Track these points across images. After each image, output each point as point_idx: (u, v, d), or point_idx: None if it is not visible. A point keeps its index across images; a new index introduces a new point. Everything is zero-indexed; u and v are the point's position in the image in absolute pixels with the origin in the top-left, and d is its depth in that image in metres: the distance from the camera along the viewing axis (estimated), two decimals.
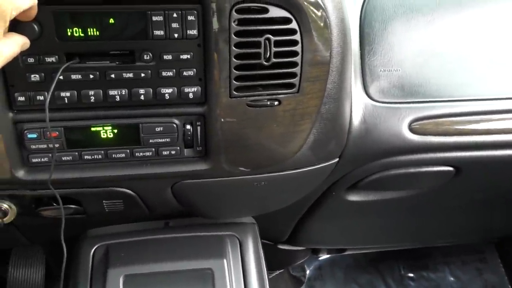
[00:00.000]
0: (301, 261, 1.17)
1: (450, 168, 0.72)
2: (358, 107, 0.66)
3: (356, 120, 0.66)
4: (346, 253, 1.29)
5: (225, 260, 0.70)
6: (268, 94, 0.58)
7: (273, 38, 0.55)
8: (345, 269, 1.32)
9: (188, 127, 0.60)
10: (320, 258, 1.31)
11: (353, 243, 1.02)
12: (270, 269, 1.04)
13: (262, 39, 0.55)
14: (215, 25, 0.54)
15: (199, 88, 0.58)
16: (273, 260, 1.01)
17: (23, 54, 0.52)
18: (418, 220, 0.90)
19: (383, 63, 0.68)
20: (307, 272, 1.29)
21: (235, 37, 0.54)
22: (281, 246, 0.94)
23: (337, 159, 0.67)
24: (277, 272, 1.05)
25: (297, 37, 0.56)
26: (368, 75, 0.68)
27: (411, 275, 1.33)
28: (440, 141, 0.68)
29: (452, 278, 1.34)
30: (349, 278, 1.31)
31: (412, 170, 0.71)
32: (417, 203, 0.83)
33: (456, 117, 0.68)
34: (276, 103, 0.58)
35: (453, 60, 0.70)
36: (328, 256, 1.32)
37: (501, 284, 1.32)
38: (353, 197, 0.77)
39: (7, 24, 0.42)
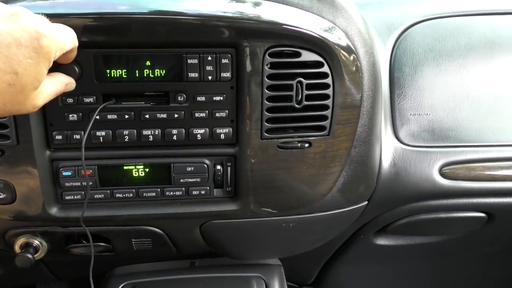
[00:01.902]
0: None
1: (482, 214, 0.70)
2: (388, 150, 0.66)
3: (386, 163, 0.65)
4: None
5: None
6: (299, 136, 0.59)
7: (305, 82, 0.56)
8: None
9: (219, 167, 0.60)
10: None
11: None
12: None
13: (294, 82, 0.56)
14: (249, 68, 0.55)
15: (231, 129, 0.58)
16: None
17: (63, 94, 0.53)
18: (450, 268, 0.88)
19: (413, 107, 0.68)
20: None
21: (267, 80, 0.55)
22: None
23: (366, 202, 0.66)
24: None
25: (328, 80, 0.56)
26: (398, 119, 0.68)
27: None
28: (471, 186, 0.67)
29: None
30: None
31: (442, 215, 0.70)
32: (448, 250, 0.81)
33: (487, 162, 0.67)
34: (306, 145, 0.59)
35: (484, 105, 0.69)
36: None
37: None
38: (382, 241, 0.76)
39: (51, 64, 0.43)
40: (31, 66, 0.41)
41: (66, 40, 0.45)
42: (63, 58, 0.48)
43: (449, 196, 0.67)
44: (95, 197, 0.60)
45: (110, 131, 0.57)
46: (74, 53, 0.49)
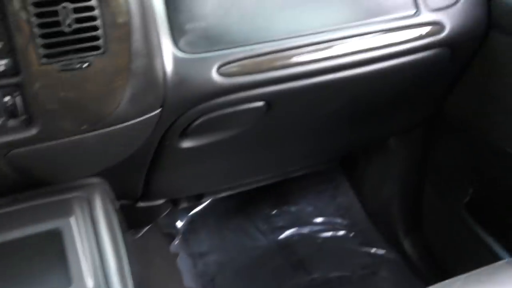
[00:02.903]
0: (165, 215, 1.25)
1: (261, 103, 0.82)
2: (169, 61, 0.73)
3: (170, 73, 0.73)
4: (210, 199, 1.39)
5: (72, 219, 0.75)
6: (78, 58, 0.64)
7: (70, 5, 0.61)
8: (216, 218, 1.43)
9: (7, 98, 0.64)
10: (190, 213, 1.40)
11: (207, 188, 1.11)
12: (135, 227, 1.11)
13: (59, 7, 0.60)
14: None
15: (10, 60, 0.62)
16: (137, 218, 1.08)
17: None
18: (258, 155, 1.01)
19: (189, 19, 0.76)
20: (179, 227, 1.37)
21: (33, 8, 0.59)
22: (140, 204, 1.01)
23: (159, 110, 0.74)
24: (145, 229, 1.12)
25: (93, 2, 0.62)
26: (176, 30, 0.75)
27: (274, 212, 1.47)
28: (245, 80, 0.78)
29: (310, 208, 1.50)
30: (220, 225, 1.42)
31: (229, 110, 0.81)
32: (250, 140, 0.93)
33: (257, 57, 0.78)
34: (85, 65, 0.64)
35: (251, 8, 0.79)
36: (199, 208, 1.42)
37: (352, 204, 1.50)
38: (187, 144, 0.85)
39: None
40: None
41: None
42: None
43: (228, 92, 0.78)
44: None
45: None
46: None
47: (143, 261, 1.08)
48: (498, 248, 1.14)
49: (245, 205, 1.45)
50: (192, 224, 1.38)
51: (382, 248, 1.43)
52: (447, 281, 0.81)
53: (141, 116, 0.72)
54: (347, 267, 1.37)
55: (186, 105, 0.77)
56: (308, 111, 0.92)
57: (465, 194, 1.23)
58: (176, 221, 1.35)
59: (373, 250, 1.42)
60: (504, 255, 1.09)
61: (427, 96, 1.11)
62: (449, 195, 1.29)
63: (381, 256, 1.41)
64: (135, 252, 1.07)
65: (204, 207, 1.41)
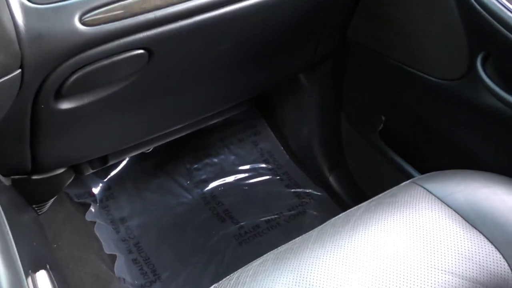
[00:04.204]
0: (75, 184, 1.19)
1: (140, 51, 0.76)
2: (19, 13, 0.65)
3: (23, 27, 0.65)
4: (125, 162, 1.33)
5: None
6: None
7: None
8: (133, 181, 1.38)
9: None
10: (106, 179, 1.34)
11: (106, 150, 1.05)
12: (38, 202, 1.05)
13: None
14: None
15: None
16: (38, 192, 1.01)
17: None
18: (155, 109, 0.96)
19: None
20: (96, 195, 1.31)
21: None
22: (35, 177, 0.94)
23: (18, 71, 0.67)
24: (49, 202, 1.06)
25: None
26: None
27: (196, 166, 1.43)
28: (116, 27, 0.71)
29: (233, 157, 1.47)
30: (140, 187, 1.37)
31: (105, 62, 0.74)
32: (139, 94, 0.87)
33: (122, 1, 0.71)
34: None
35: None
36: (115, 173, 1.36)
37: (274, 148, 1.48)
38: (66, 105, 0.78)
39: None
40: None
41: None
42: None
43: (99, 43, 0.71)
44: None
45: None
46: None
47: (51, 235, 1.02)
48: (413, 171, 1.16)
49: (164, 163, 1.40)
50: (109, 190, 1.32)
51: (308, 187, 1.42)
52: (352, 208, 0.81)
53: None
54: (275, 210, 1.37)
55: (51, 62, 0.69)
56: (197, 55, 0.86)
57: (379, 122, 1.23)
58: (90, 189, 1.29)
59: (300, 190, 1.42)
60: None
61: (326, 26, 1.07)
62: (364, 125, 1.29)
63: (308, 195, 1.41)
64: (39, 227, 1.02)
65: (120, 171, 1.35)
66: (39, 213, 1.05)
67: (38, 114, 0.77)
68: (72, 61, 0.71)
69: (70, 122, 0.83)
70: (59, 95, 0.76)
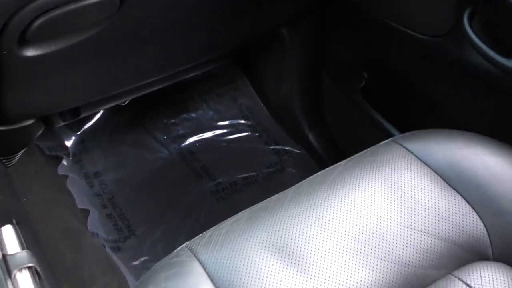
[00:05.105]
0: (47, 137, 1.15)
1: None
2: None
3: None
4: (99, 114, 1.29)
5: None
6: None
7: None
8: (109, 134, 1.34)
9: None
10: (79, 132, 1.30)
11: (77, 101, 1.00)
12: (6, 155, 1.01)
13: None
14: None
15: None
16: (6, 144, 0.97)
17: None
18: (127, 59, 0.91)
19: None
20: (69, 148, 1.28)
21: None
22: (1, 128, 0.89)
23: None
24: (18, 155, 1.02)
25: None
26: None
27: (173, 120, 1.40)
28: None
29: (211, 112, 1.44)
30: (115, 141, 1.33)
31: (72, 7, 0.69)
32: (109, 43, 0.83)
33: None
34: None
35: None
36: (89, 125, 1.31)
37: (254, 104, 1.45)
38: (31, 52, 0.73)
39: None
40: None
41: None
42: None
43: None
44: None
45: None
46: None
47: (21, 189, 0.99)
48: (393, 130, 1.14)
49: (140, 116, 1.36)
50: (83, 143, 1.29)
51: (288, 145, 1.40)
52: (331, 167, 0.79)
53: None
54: (253, 167, 1.35)
55: (12, 4, 0.64)
56: (171, 2, 0.82)
57: (360, 79, 1.20)
58: (62, 142, 1.24)
59: (279, 147, 1.40)
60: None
61: None
62: (346, 83, 1.26)
63: (287, 152, 1.39)
64: (7, 181, 0.98)
65: (94, 124, 1.31)
66: (8, 165, 1.01)
67: (1, 61, 0.73)
68: (36, 3, 0.66)
69: (36, 70, 0.78)
70: (23, 41, 0.71)
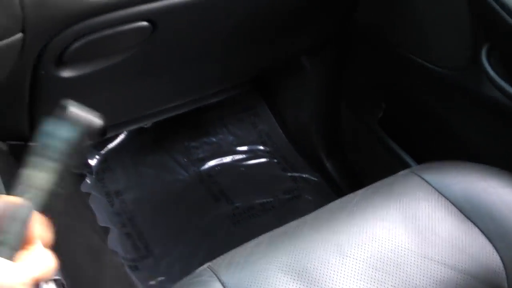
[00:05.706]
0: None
1: (145, 23, 0.75)
2: None
3: None
4: (123, 135, 1.32)
5: None
6: None
7: None
8: (131, 155, 1.37)
9: None
10: (103, 151, 1.34)
11: (106, 122, 1.03)
12: None
13: None
14: None
15: None
16: None
17: None
18: (155, 83, 0.95)
19: None
20: (92, 166, 1.31)
21: None
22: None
23: (20, 34, 0.66)
24: None
25: None
26: None
27: (194, 144, 1.43)
28: None
29: (231, 137, 1.46)
30: (136, 162, 1.36)
31: (109, 31, 0.73)
32: (140, 67, 0.86)
33: None
34: None
35: None
36: (112, 146, 1.35)
37: (273, 130, 1.48)
38: (67, 73, 0.77)
39: None
40: None
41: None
42: None
43: (103, 11, 0.70)
44: None
45: None
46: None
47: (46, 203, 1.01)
48: (410, 160, 1.16)
49: (162, 139, 1.40)
50: (105, 162, 1.32)
51: (305, 172, 1.42)
52: (349, 195, 0.81)
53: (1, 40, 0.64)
54: (270, 193, 1.36)
55: (53, 28, 0.68)
56: (200, 30, 0.85)
57: (379, 109, 1.22)
58: (86, 160, 1.28)
59: (296, 174, 1.42)
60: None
61: (330, 8, 1.06)
62: (364, 112, 1.28)
63: (304, 179, 1.41)
64: None
65: (117, 144, 1.34)
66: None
67: (38, 80, 0.76)
68: (75, 28, 0.70)
69: (70, 91, 0.82)
70: (60, 62, 0.75)
